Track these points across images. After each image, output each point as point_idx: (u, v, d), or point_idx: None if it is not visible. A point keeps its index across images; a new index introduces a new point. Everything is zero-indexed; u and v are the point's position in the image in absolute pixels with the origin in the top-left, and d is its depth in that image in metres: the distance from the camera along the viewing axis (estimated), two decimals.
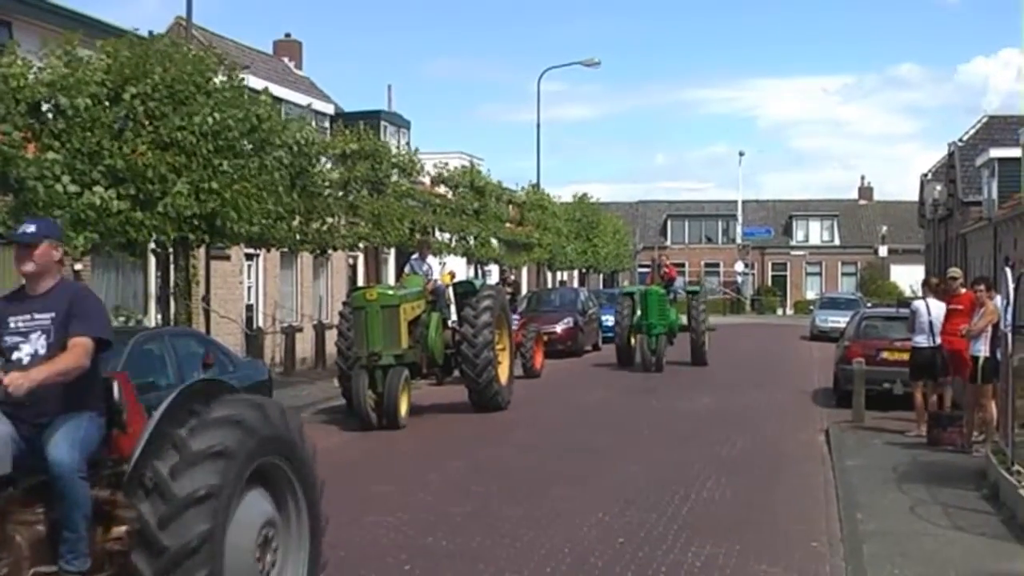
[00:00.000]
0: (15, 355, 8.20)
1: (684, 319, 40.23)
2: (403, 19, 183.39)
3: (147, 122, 20.64)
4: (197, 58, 22.68)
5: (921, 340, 21.82)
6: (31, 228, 8.41)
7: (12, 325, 8.25)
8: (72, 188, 18.54)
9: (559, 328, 43.29)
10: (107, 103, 19.86)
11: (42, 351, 8.16)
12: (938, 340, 21.49)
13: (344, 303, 26.75)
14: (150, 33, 22.37)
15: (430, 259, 27.59)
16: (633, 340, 38.58)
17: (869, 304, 52.60)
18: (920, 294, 22.87)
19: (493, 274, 53.03)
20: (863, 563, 12.52)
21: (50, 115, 18.91)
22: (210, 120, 21.72)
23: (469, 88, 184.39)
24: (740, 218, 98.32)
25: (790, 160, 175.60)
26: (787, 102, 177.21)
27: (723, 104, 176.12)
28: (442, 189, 44.70)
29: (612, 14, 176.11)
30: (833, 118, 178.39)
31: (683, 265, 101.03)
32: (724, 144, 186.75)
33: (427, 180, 43.61)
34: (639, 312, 37.74)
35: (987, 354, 19.41)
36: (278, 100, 27.82)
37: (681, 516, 15.24)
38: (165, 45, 22.15)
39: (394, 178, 35.87)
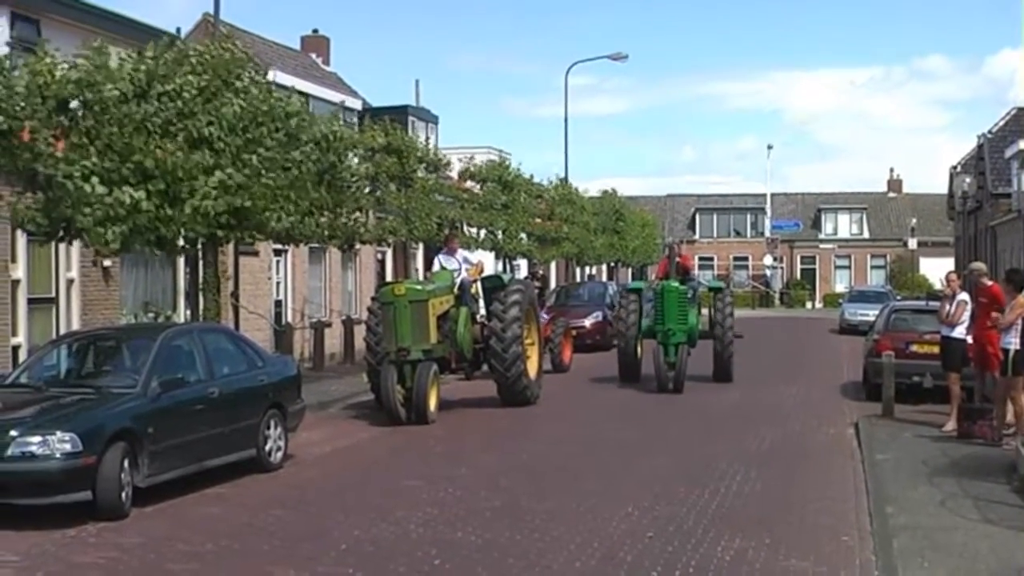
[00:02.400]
0: None
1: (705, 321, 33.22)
2: (430, 13, 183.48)
3: (176, 119, 20.68)
4: (230, 56, 22.71)
5: (960, 332, 21.79)
6: None
7: None
8: (100, 189, 18.59)
9: (588, 322, 43.28)
10: (136, 100, 19.91)
11: None
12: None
13: (373, 298, 26.77)
14: (178, 31, 22.38)
15: (459, 253, 27.58)
16: (640, 349, 32.54)
17: (898, 297, 52.44)
18: (947, 287, 22.78)
19: (522, 268, 53.03)
20: (893, 557, 12.48)
21: (79, 112, 18.96)
22: (238, 116, 21.76)
23: (496, 82, 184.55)
24: (768, 211, 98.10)
25: (818, 153, 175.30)
26: (814, 95, 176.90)
27: (750, 97, 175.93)
28: (470, 184, 44.68)
29: (638, 7, 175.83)
30: (861, 111, 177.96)
31: (711, 259, 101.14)
32: (751, 137, 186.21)
33: (455, 175, 43.60)
34: (651, 314, 31.07)
35: (1018, 347, 19.37)
36: (306, 96, 27.80)
37: (710, 510, 15.23)
38: (202, 52, 22.19)
39: (421, 173, 35.86)
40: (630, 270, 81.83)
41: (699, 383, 30.49)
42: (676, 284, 30.68)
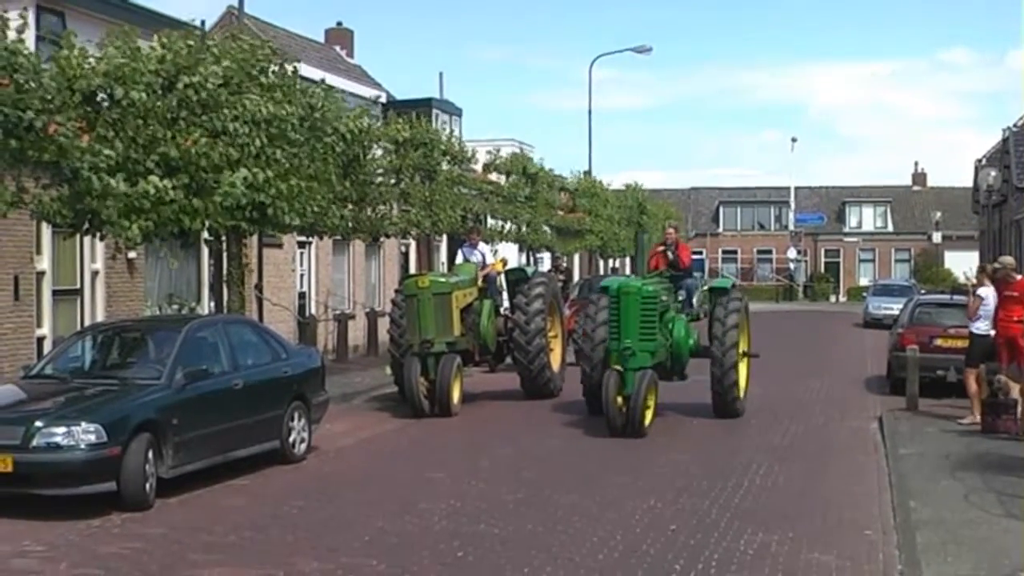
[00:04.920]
0: None
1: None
2: (453, 6, 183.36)
3: (201, 111, 20.71)
4: (251, 48, 22.74)
5: (983, 327, 21.73)
6: None
7: None
8: (123, 186, 18.63)
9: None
10: (161, 92, 19.95)
11: None
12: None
13: (396, 290, 26.79)
14: (202, 23, 22.42)
15: (481, 246, 27.60)
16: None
17: (923, 291, 52.35)
18: (975, 281, 22.75)
19: (545, 261, 53.00)
20: (916, 551, 12.48)
21: (104, 104, 19.00)
22: (263, 109, 21.80)
23: (520, 75, 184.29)
24: (792, 204, 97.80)
25: (841, 146, 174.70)
26: (837, 88, 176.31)
27: (773, 90, 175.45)
28: (494, 176, 44.67)
29: (662, 2, 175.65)
30: (884, 103, 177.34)
31: (735, 252, 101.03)
32: (774, 130, 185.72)
33: (479, 167, 43.59)
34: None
35: None
36: (331, 89, 27.81)
37: (733, 504, 15.24)
38: (222, 41, 22.20)
39: (445, 166, 35.87)
40: None
41: (683, 415, 23.44)
42: (639, 283, 22.08)
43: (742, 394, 23.62)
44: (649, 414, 20.92)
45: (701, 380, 23.56)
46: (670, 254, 25.11)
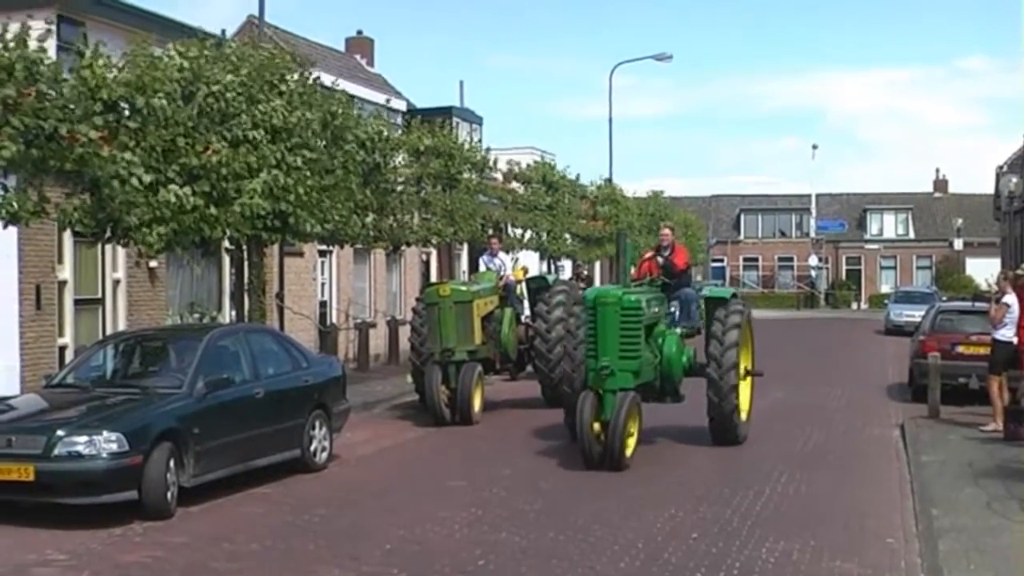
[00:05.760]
0: None
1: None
2: (474, 15, 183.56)
3: (220, 120, 20.77)
4: (271, 56, 22.79)
5: (1008, 334, 21.68)
6: None
7: None
8: (147, 178, 18.67)
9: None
10: (181, 102, 20.01)
11: None
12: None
13: (417, 299, 26.84)
14: (223, 32, 22.47)
15: (501, 255, 27.61)
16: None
17: (944, 298, 52.19)
18: (997, 288, 22.69)
19: (566, 269, 53.00)
20: (939, 559, 12.43)
21: (126, 113, 19.05)
22: (283, 114, 21.84)
23: (540, 83, 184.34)
24: (814, 212, 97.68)
25: (861, 153, 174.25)
26: (855, 95, 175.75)
27: (792, 98, 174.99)
28: (515, 185, 44.70)
29: (680, 8, 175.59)
30: (903, 110, 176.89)
31: (756, 259, 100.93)
32: (794, 137, 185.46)
33: (499, 176, 43.63)
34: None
35: None
36: (351, 97, 27.88)
37: (755, 512, 15.21)
38: (239, 47, 22.24)
39: (466, 174, 35.90)
40: None
41: (677, 443, 21.52)
42: (618, 293, 19.20)
43: (744, 416, 21.20)
44: (632, 442, 18.47)
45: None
46: (661, 259, 21.98)
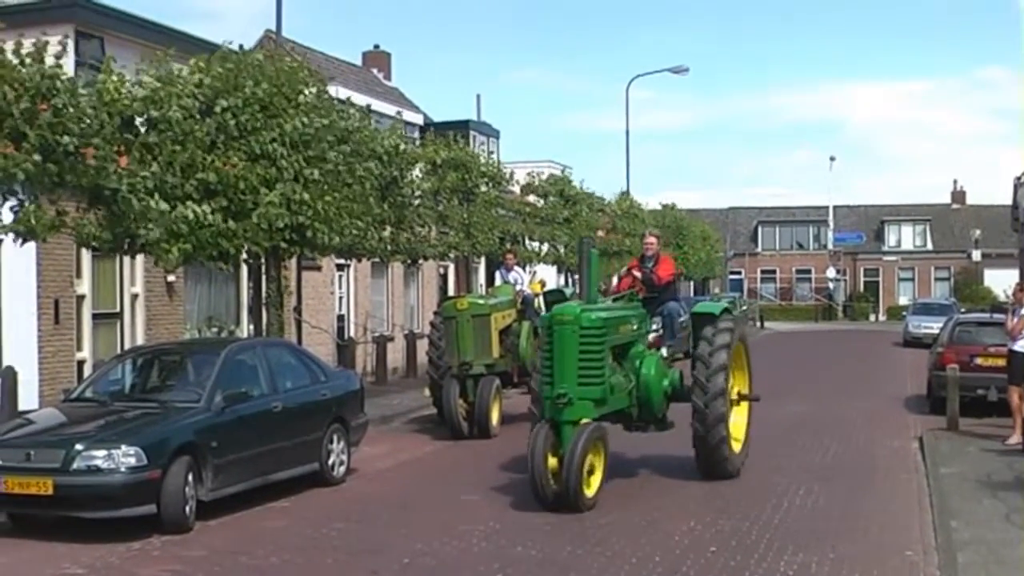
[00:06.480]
0: None
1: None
2: (491, 28, 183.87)
3: (238, 134, 20.81)
4: (290, 70, 22.84)
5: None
6: None
7: None
8: (163, 205, 18.72)
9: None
10: (199, 116, 20.05)
11: None
12: None
13: (435, 312, 26.83)
14: (241, 47, 22.52)
15: (517, 269, 27.60)
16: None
17: (963, 310, 52.08)
18: (1013, 299, 22.62)
19: None
20: (958, 572, 12.40)
21: (143, 129, 19.10)
22: (300, 130, 21.87)
23: (557, 97, 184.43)
24: (831, 223, 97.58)
25: (879, 165, 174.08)
26: (872, 107, 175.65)
27: (809, 110, 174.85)
28: (532, 198, 44.72)
29: (697, 22, 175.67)
30: (920, 122, 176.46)
31: (774, 272, 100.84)
32: (811, 150, 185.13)
33: (517, 189, 43.65)
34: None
35: None
36: (368, 110, 27.93)
37: (773, 524, 15.18)
38: (257, 60, 22.29)
39: (483, 188, 35.92)
40: (692, 284, 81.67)
41: (664, 478, 18.67)
42: (576, 309, 17.00)
43: (739, 447, 18.86)
44: (595, 481, 16.17)
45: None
46: (642, 272, 19.83)
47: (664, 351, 19.24)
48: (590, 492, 15.92)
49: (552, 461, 15.91)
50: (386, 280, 39.05)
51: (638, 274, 19.62)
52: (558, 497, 15.72)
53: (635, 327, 18.59)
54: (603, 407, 16.94)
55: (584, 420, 16.28)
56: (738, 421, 19.11)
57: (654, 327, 19.49)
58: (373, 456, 20.79)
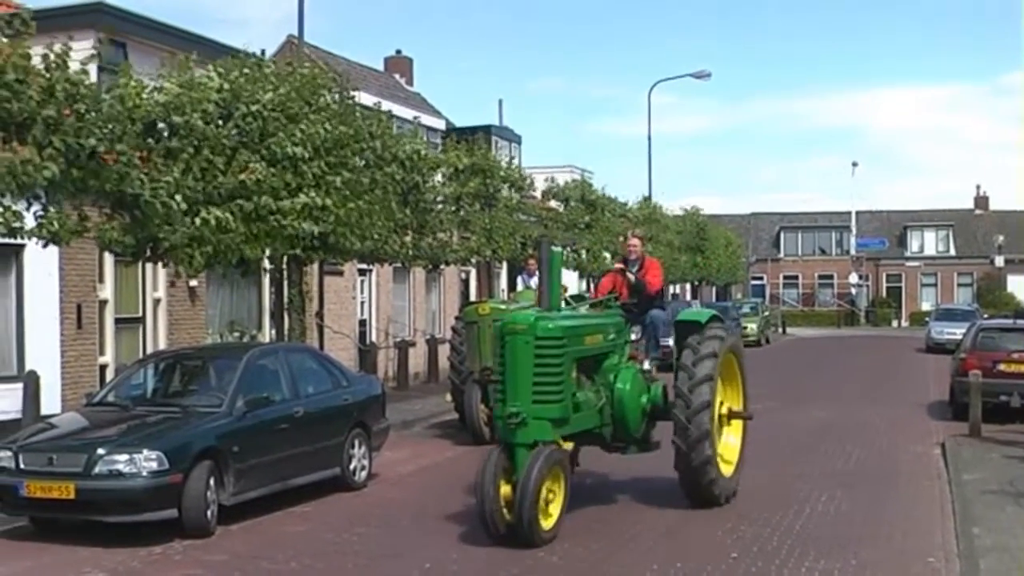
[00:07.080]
0: None
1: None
2: (513, 34, 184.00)
3: (259, 140, 20.84)
4: (310, 75, 22.87)
5: None
6: None
7: None
8: (184, 206, 18.75)
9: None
10: (220, 121, 20.09)
11: None
12: None
13: (457, 318, 26.83)
14: (262, 52, 22.55)
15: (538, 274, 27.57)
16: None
17: (985, 315, 51.96)
18: None
19: None
20: None
21: (164, 134, 19.14)
22: (322, 136, 21.89)
23: (579, 102, 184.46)
24: (854, 229, 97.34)
25: (901, 170, 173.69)
26: (895, 112, 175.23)
27: (831, 115, 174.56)
28: (553, 203, 44.70)
29: (719, 28, 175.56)
30: (944, 127, 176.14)
31: (796, 277, 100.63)
32: (834, 155, 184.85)
33: (538, 194, 43.63)
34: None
35: None
36: (390, 115, 27.95)
37: (795, 530, 15.15)
38: (278, 67, 22.32)
39: (505, 193, 35.92)
40: (714, 289, 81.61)
41: (654, 505, 17.12)
42: (531, 318, 15.26)
43: (730, 470, 17.15)
44: (554, 510, 14.41)
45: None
46: (631, 275, 17.89)
47: (647, 364, 17.39)
48: (548, 524, 14.20)
49: (505, 489, 14.19)
50: (408, 285, 39.07)
51: (631, 276, 17.79)
52: (511, 529, 14.04)
53: (610, 336, 16.72)
54: (564, 427, 15.05)
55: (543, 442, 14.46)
56: (730, 442, 17.48)
57: (635, 336, 17.60)
58: (394, 461, 20.80)
